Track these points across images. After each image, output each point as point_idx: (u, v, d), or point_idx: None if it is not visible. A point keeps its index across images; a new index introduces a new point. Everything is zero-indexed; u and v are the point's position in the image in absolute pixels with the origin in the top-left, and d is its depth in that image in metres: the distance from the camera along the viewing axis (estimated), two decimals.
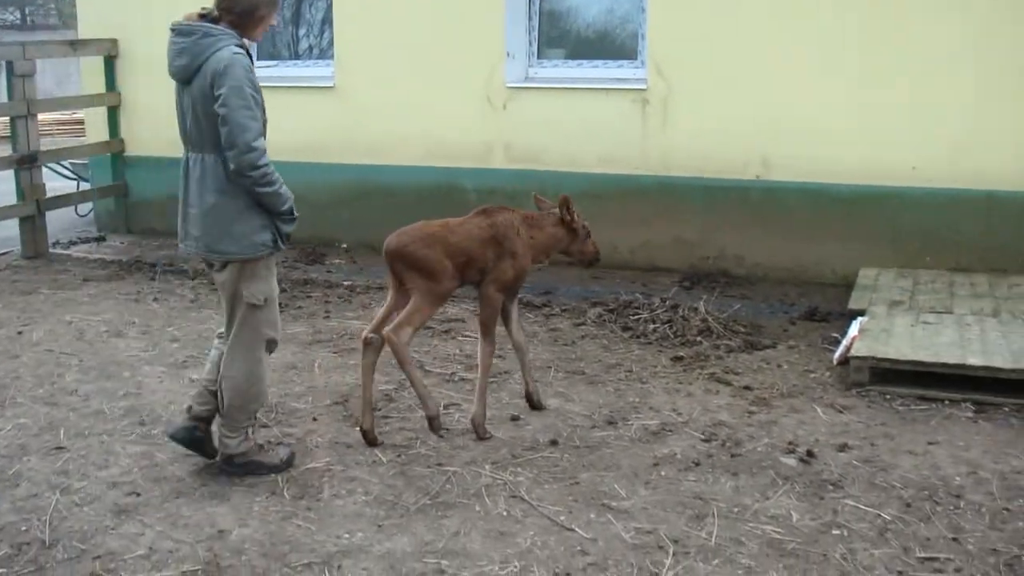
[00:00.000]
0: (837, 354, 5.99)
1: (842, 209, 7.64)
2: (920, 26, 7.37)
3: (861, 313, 6.38)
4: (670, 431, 5.06)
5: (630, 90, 8.17)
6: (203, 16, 4.22)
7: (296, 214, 4.39)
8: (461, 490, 4.45)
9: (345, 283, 7.99)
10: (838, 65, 7.58)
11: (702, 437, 4.98)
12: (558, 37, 8.88)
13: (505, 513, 4.24)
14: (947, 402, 5.37)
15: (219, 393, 4.49)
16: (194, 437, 4.62)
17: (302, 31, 9.82)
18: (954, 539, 3.95)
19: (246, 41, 4.27)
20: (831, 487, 4.42)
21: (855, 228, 7.61)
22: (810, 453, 4.73)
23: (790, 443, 4.87)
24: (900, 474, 4.52)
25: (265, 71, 9.54)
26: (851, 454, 4.75)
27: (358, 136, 8.95)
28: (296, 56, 9.77)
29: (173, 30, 4.23)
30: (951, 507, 4.20)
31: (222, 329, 4.55)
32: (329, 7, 9.22)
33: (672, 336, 6.54)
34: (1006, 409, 5.27)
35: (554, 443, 4.94)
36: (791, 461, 4.69)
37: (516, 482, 4.51)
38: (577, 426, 5.15)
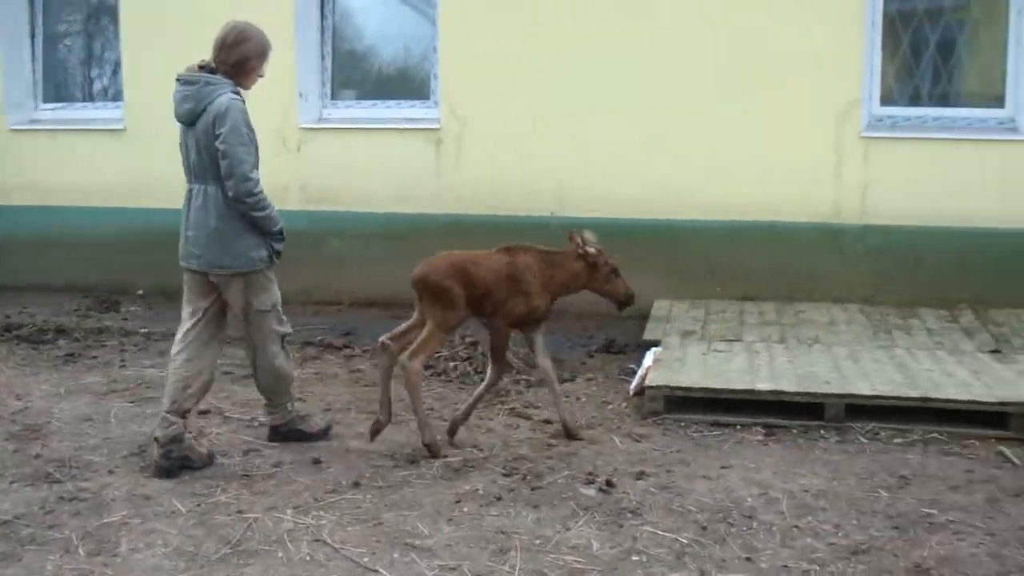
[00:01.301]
0: (633, 385, 6.16)
1: (636, 242, 7.88)
2: (699, 66, 7.84)
3: (655, 344, 6.61)
4: (472, 467, 5.07)
5: (424, 130, 8.27)
6: (203, 67, 4.92)
7: (284, 235, 5.05)
8: (263, 537, 4.31)
9: (141, 330, 7.69)
10: (626, 103, 7.92)
11: (503, 472, 5.00)
12: (352, 78, 8.89)
13: (308, 558, 4.13)
14: (739, 427, 5.61)
15: (256, 382, 5.33)
16: (171, 460, 4.99)
17: (94, 72, 9.49)
18: (748, 559, 4.09)
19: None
20: (630, 514, 4.50)
21: (648, 261, 7.86)
22: (609, 482, 4.82)
23: (589, 473, 4.95)
24: (696, 498, 4.67)
25: (53, 114, 9.19)
26: (649, 481, 4.87)
27: (147, 179, 8.69)
28: (89, 98, 9.44)
29: (179, 80, 4.92)
30: (744, 528, 4.37)
31: (180, 335, 5.06)
32: (118, 48, 8.95)
33: (473, 373, 6.58)
34: (794, 431, 5.56)
35: (357, 484, 4.86)
36: (591, 491, 4.75)
37: (319, 526, 4.40)
38: (380, 466, 5.10)
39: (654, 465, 5.09)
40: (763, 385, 5.75)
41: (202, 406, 5.56)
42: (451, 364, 6.73)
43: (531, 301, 5.18)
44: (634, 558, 4.13)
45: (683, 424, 5.67)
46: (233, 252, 4.95)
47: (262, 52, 4.97)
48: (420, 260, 5.23)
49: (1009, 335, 6.95)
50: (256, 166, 4.89)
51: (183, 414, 5.02)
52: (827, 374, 6.00)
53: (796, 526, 4.38)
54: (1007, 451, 5.29)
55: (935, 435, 5.50)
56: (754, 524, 4.41)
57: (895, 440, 5.47)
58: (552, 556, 4.14)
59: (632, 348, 7.10)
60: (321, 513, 4.54)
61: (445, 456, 5.21)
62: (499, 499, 4.68)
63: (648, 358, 6.29)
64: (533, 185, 8.09)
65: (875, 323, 7.29)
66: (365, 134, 8.33)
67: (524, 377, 6.50)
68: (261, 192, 4.89)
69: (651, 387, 5.78)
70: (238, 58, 4.91)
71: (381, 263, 8.14)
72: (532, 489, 4.79)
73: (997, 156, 7.67)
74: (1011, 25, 7.72)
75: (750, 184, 7.82)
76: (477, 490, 4.78)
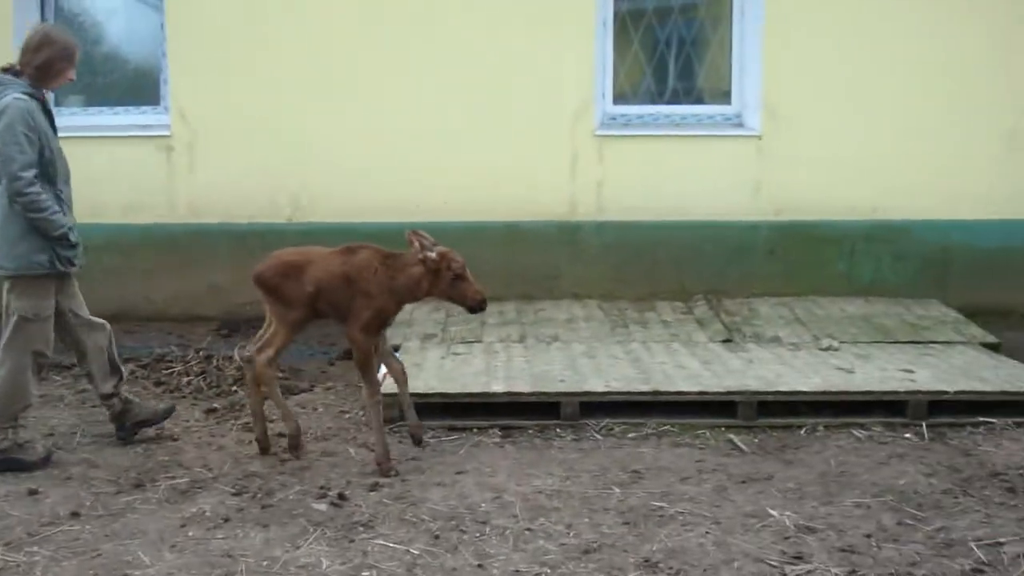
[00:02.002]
0: None
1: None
2: (430, 70, 7.90)
3: (395, 349, 6.49)
4: (200, 488, 4.88)
5: (154, 136, 7.98)
6: (5, 70, 5.10)
7: (75, 241, 5.10)
8: None
9: None
10: (359, 106, 7.88)
11: (233, 491, 4.84)
12: (78, 84, 8.40)
13: None
14: (475, 430, 5.65)
15: None
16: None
17: None
18: (479, 566, 4.10)
19: (45, 91, 5.15)
20: (362, 528, 4.44)
21: None
22: (342, 496, 4.74)
23: (322, 487, 4.86)
24: (429, 507, 4.65)
25: None
26: (382, 492, 4.82)
27: None
28: None
29: None
30: (477, 534, 4.38)
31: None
32: None
33: (207, 388, 6.39)
34: (530, 431, 5.65)
35: (75, 515, 4.58)
36: (322, 506, 4.66)
37: (31, 563, 4.10)
38: (101, 493, 4.83)
39: (387, 475, 5.04)
40: (498, 387, 5.82)
41: None
42: (184, 380, 6.49)
43: (374, 302, 4.99)
44: (364, 574, 4.06)
45: (394, 428, 5.64)
46: (12, 253, 5.04)
47: (69, 55, 5.12)
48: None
49: (740, 324, 7.33)
50: (31, 166, 4.94)
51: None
52: (562, 372, 6.13)
53: (529, 529, 4.43)
54: (735, 439, 5.55)
55: (668, 428, 5.71)
56: (487, 529, 4.43)
57: (629, 435, 5.64)
58: None
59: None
60: (35, 548, 4.24)
61: (304, 455, 5.24)
62: (227, 520, 4.53)
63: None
64: (270, 191, 7.92)
65: (613, 318, 7.52)
66: (91, 142, 7.85)
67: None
68: (33, 193, 4.95)
69: (387, 394, 5.70)
70: (42, 61, 5.08)
71: (112, 276, 7.73)
72: (262, 507, 4.66)
73: (725, 151, 8.09)
74: (735, 24, 8.17)
75: (486, 185, 7.92)
76: (204, 512, 4.61)
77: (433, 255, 4.99)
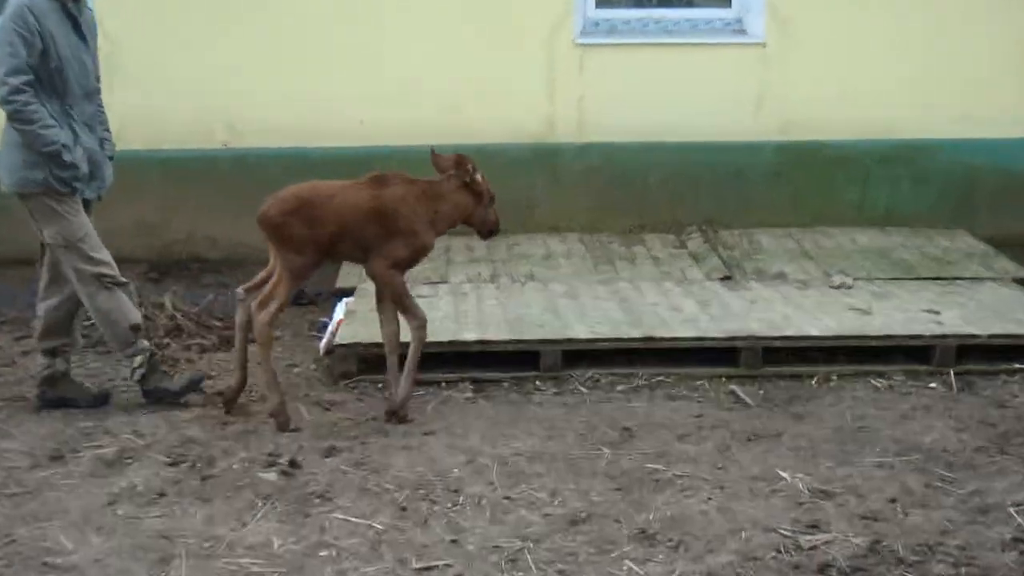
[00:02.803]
0: (323, 343, 6.05)
1: (325, 174, 7.69)
2: None
3: (349, 293, 6.49)
4: (130, 459, 4.80)
5: None
6: None
7: (69, 160, 5.05)
8: None
9: None
10: (307, 10, 7.70)
11: (168, 460, 4.77)
12: None
13: None
14: (444, 384, 5.62)
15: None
16: (45, 401, 5.46)
17: None
18: (453, 541, 4.07)
19: None
20: (317, 500, 4.39)
21: None
22: (293, 463, 4.69)
23: (271, 454, 4.80)
24: (394, 474, 4.61)
25: None
26: (340, 458, 4.77)
27: None
28: None
29: None
30: (449, 505, 4.34)
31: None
32: None
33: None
34: (505, 385, 5.61)
35: None
36: (272, 476, 4.61)
37: None
38: (14, 467, 4.73)
39: (346, 438, 5.00)
40: (469, 334, 5.76)
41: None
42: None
43: (416, 239, 5.08)
44: (322, 553, 4.03)
45: (380, 386, 5.60)
46: (8, 165, 5.14)
47: None
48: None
49: (740, 259, 7.29)
50: (21, 72, 4.95)
51: (52, 352, 5.39)
52: (541, 317, 6.09)
53: (508, 497, 4.41)
54: (738, 390, 5.56)
55: (661, 378, 5.70)
56: (461, 499, 4.40)
57: (618, 387, 5.63)
58: (225, 561, 3.97)
59: (324, 298, 6.95)
60: None
61: (295, 429, 5.11)
62: (162, 495, 4.47)
63: (340, 310, 6.19)
64: (200, 113, 7.74)
65: (596, 254, 7.46)
66: None
67: (197, 341, 6.22)
68: (19, 102, 4.96)
69: (342, 345, 5.68)
70: None
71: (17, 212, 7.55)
72: (202, 479, 4.61)
73: (723, 61, 7.98)
74: None
75: (449, 103, 7.79)
76: (136, 487, 4.54)
77: (480, 178, 5.22)
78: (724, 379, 5.69)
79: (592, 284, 6.77)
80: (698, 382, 5.68)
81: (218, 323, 6.51)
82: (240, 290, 5.26)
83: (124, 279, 5.36)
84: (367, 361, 5.71)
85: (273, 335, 5.21)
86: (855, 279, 6.78)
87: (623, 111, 7.93)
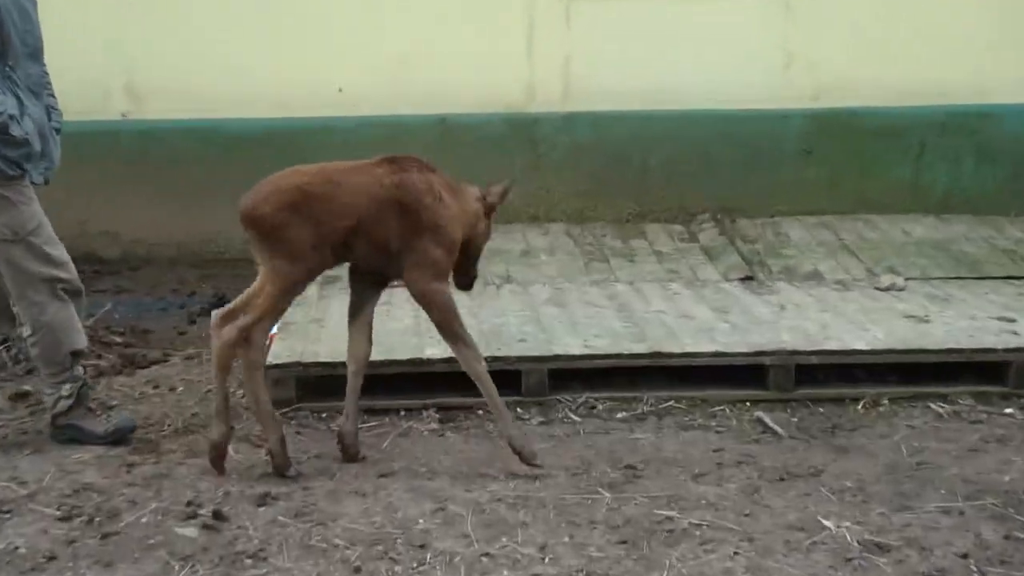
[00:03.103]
0: None
1: (252, 151, 7.74)
2: None
3: None
4: (8, 512, 4.75)
5: None
6: None
7: (19, 135, 5.00)
8: None
9: None
10: None
11: (59, 514, 4.72)
12: None
13: None
14: (404, 412, 5.64)
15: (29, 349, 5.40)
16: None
17: None
18: None
19: None
20: (249, 561, 4.34)
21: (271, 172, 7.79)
22: (218, 515, 4.64)
23: (190, 504, 4.76)
24: (345, 527, 4.57)
25: None
26: (276, 507, 4.73)
27: None
28: None
29: None
30: (414, 565, 4.29)
31: None
32: None
33: (11, 362, 6.27)
34: (479, 413, 5.60)
35: None
36: (191, 531, 4.56)
37: None
38: None
39: (284, 482, 4.96)
40: (434, 351, 5.73)
41: None
42: None
43: (447, 236, 4.96)
44: None
45: (325, 415, 5.59)
46: None
47: None
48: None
49: (763, 254, 7.32)
50: None
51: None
52: (522, 328, 6.09)
53: (487, 554, 4.37)
54: (767, 418, 5.55)
55: (671, 404, 5.71)
56: (428, 557, 4.36)
57: (618, 415, 5.63)
58: None
59: None
60: None
61: (296, 474, 5.04)
62: (52, 559, 4.40)
63: None
64: (94, 78, 7.71)
65: (587, 249, 7.48)
66: None
67: (91, 363, 6.15)
68: None
69: (277, 366, 5.64)
70: None
71: None
72: (103, 537, 4.55)
73: (741, 13, 8.04)
74: None
75: (405, 66, 7.85)
76: (16, 548, 4.47)
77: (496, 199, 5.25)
78: (749, 404, 5.71)
79: (584, 286, 6.77)
80: (717, 408, 5.69)
81: (118, 339, 6.50)
82: (216, 318, 5.04)
83: (80, 285, 5.35)
84: (308, 385, 5.69)
85: (255, 360, 4.96)
86: (908, 279, 6.81)
87: (618, 74, 7.96)
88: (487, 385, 5.01)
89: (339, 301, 6.47)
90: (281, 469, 4.99)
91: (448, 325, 5.00)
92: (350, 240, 4.90)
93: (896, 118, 8.03)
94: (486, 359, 5.58)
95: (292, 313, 6.17)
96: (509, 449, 5.02)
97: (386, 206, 4.88)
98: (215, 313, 5.04)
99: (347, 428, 5.16)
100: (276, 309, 4.93)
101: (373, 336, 5.17)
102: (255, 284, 4.95)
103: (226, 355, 4.89)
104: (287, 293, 4.91)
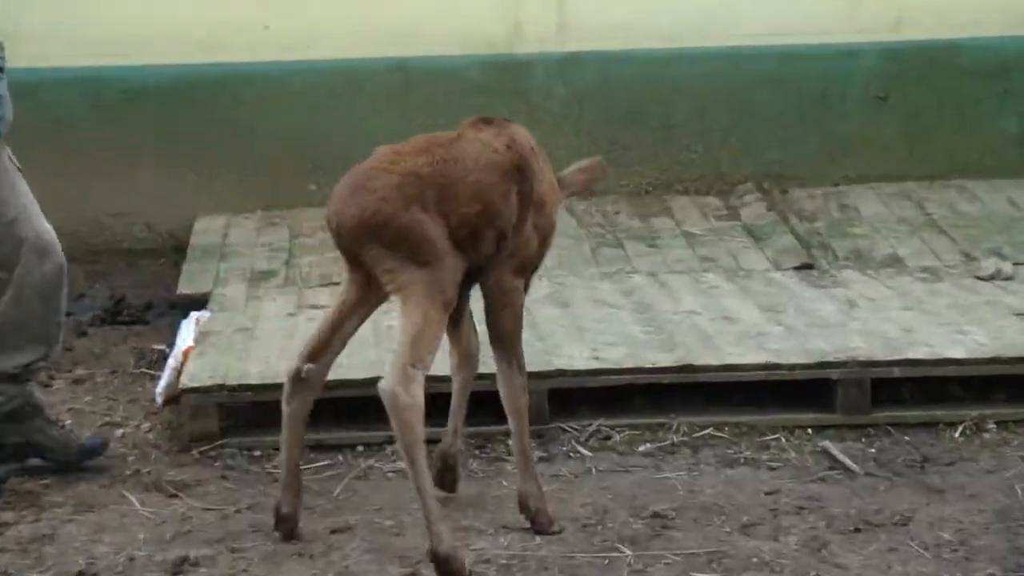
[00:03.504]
0: (161, 386, 6.07)
1: (152, 108, 7.92)
2: None
3: (201, 303, 6.58)
4: None
5: None
6: None
7: None
8: None
9: None
10: None
11: None
12: None
13: None
14: (361, 448, 5.72)
15: None
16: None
17: None
18: None
19: None
20: None
21: (188, 133, 8.01)
22: None
23: (81, 574, 4.75)
24: None
25: None
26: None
27: None
28: None
29: None
30: None
31: None
32: None
33: None
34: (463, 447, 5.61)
35: None
36: None
37: None
38: None
39: (206, 542, 4.95)
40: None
41: None
42: None
43: (548, 216, 5.09)
44: None
45: (258, 453, 5.64)
46: None
47: None
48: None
49: (826, 235, 7.35)
50: None
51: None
52: None
53: None
54: (834, 449, 5.57)
55: (710, 431, 5.73)
56: None
57: (640, 447, 5.67)
58: None
59: (160, 311, 6.99)
60: None
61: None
62: None
63: (186, 332, 6.24)
64: None
65: (596, 231, 7.55)
66: None
67: None
68: None
69: (194, 389, 5.67)
70: None
71: None
72: None
73: None
74: None
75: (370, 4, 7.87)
76: None
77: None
78: (811, 432, 5.73)
79: (591, 281, 6.80)
80: (769, 437, 5.71)
81: None
82: (300, 365, 4.97)
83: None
84: (236, 415, 5.73)
85: (422, 428, 4.76)
86: (1017, 264, 6.84)
87: (629, 2, 7.94)
88: (523, 425, 5.02)
89: (273, 304, 6.53)
90: (454, 569, 4.74)
91: (513, 338, 5.02)
92: (471, 228, 4.85)
93: (1001, 53, 8.04)
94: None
95: (214, 320, 6.22)
96: (517, 502, 5.03)
97: (507, 178, 4.90)
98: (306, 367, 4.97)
99: (451, 450, 5.29)
100: (439, 335, 4.86)
101: None
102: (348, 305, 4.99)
103: (411, 419, 4.70)
104: (446, 306, 4.80)
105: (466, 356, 5.25)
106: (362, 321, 5.01)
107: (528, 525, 5.00)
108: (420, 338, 4.70)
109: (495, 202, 4.84)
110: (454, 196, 4.76)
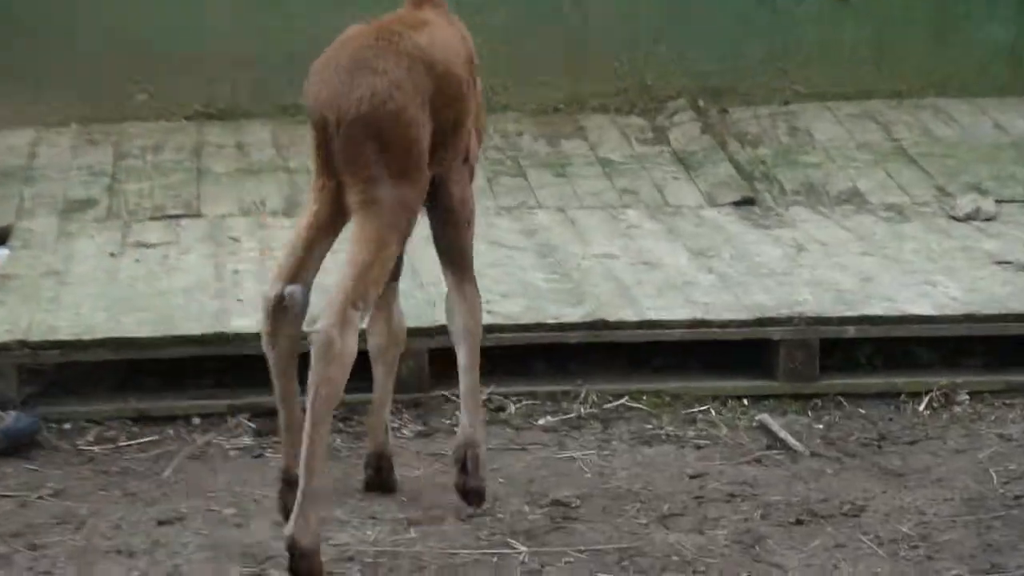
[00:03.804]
0: None
1: None
2: None
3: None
4: None
5: None
6: None
7: None
8: None
9: None
10: None
11: None
12: None
13: None
14: (198, 420, 5.67)
15: None
16: None
17: None
18: None
19: None
20: None
21: None
22: None
23: None
24: None
25: None
26: None
27: None
28: None
29: None
30: None
31: None
32: None
33: None
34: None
35: None
36: None
37: None
38: None
39: (2, 542, 4.90)
40: (245, 322, 5.74)
41: None
42: None
43: (483, 109, 5.25)
44: None
45: (68, 426, 5.61)
46: None
47: None
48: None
49: (771, 164, 7.45)
50: None
51: None
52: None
53: None
54: (774, 424, 5.63)
55: (625, 401, 5.79)
56: None
57: (540, 420, 5.73)
58: None
59: None
60: None
61: None
62: None
63: None
64: None
65: (493, 156, 7.62)
66: None
67: None
68: None
69: None
70: None
71: None
72: None
73: None
74: None
75: None
76: None
77: None
78: (747, 403, 5.81)
79: (485, 216, 6.74)
80: (696, 409, 5.77)
81: None
82: (279, 290, 4.87)
83: None
84: (40, 378, 5.73)
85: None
86: (1000, 202, 6.91)
87: None
88: (475, 357, 5.11)
89: (91, 242, 6.49)
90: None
91: (469, 252, 5.10)
92: (452, 135, 4.94)
93: None
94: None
95: (14, 260, 6.18)
96: (454, 452, 5.09)
97: (469, 71, 5.00)
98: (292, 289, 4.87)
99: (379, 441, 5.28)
100: (392, 261, 4.88)
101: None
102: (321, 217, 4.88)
103: (344, 359, 4.67)
104: (412, 215, 4.84)
105: (396, 329, 5.25)
106: (331, 244, 4.87)
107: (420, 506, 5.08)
108: (368, 272, 4.69)
109: (467, 99, 4.95)
110: (442, 91, 4.80)
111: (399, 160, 4.69)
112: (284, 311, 4.81)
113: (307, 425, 4.57)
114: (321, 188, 4.80)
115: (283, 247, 5.03)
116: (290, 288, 4.77)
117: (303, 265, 4.84)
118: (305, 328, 4.78)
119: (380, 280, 4.74)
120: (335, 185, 4.77)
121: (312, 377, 4.55)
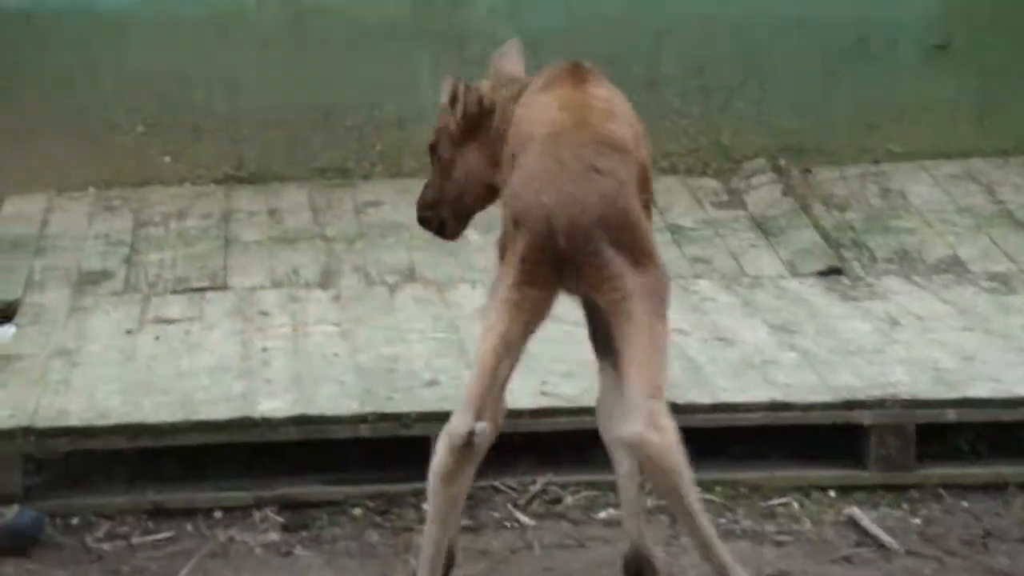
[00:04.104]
0: None
1: None
2: None
3: (5, 315, 6.62)
4: None
5: None
6: None
7: None
8: None
9: None
10: None
11: None
12: None
13: None
14: (220, 514, 5.61)
15: None
16: None
17: None
18: None
19: None
20: None
21: None
22: None
23: None
24: None
25: None
26: None
27: None
28: None
29: None
30: None
31: None
32: None
33: None
34: (354, 513, 5.63)
35: None
36: None
37: None
38: None
39: None
40: (273, 404, 5.77)
41: None
42: None
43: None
44: None
45: (76, 521, 5.56)
46: None
47: None
48: None
49: (861, 229, 7.41)
50: None
51: None
52: (432, 363, 6.20)
53: None
54: (865, 518, 5.58)
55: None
56: None
57: (600, 513, 5.68)
58: None
59: None
60: None
61: None
62: None
63: None
64: None
65: None
66: None
67: None
68: None
69: None
70: None
71: None
72: None
73: None
74: None
75: None
76: None
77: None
78: (833, 494, 5.76)
79: None
80: (777, 502, 5.73)
81: None
82: (478, 425, 4.81)
83: None
84: (49, 468, 5.72)
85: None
86: None
87: None
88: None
89: (107, 317, 6.49)
90: None
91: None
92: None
93: None
94: (370, 414, 5.61)
95: (20, 338, 6.17)
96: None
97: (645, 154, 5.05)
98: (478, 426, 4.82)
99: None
100: (667, 343, 4.90)
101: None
102: (495, 349, 4.80)
103: (675, 460, 4.76)
104: (668, 307, 4.89)
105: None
106: (515, 365, 4.86)
107: None
108: (655, 361, 4.75)
109: (651, 181, 5.03)
110: (644, 179, 4.90)
111: (636, 249, 4.76)
112: (470, 449, 4.77)
113: (700, 525, 4.72)
114: (519, 302, 4.78)
115: (475, 367, 4.92)
116: (480, 425, 4.74)
117: (489, 393, 4.82)
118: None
119: (666, 365, 4.80)
120: (537, 295, 4.79)
121: (653, 480, 4.86)
